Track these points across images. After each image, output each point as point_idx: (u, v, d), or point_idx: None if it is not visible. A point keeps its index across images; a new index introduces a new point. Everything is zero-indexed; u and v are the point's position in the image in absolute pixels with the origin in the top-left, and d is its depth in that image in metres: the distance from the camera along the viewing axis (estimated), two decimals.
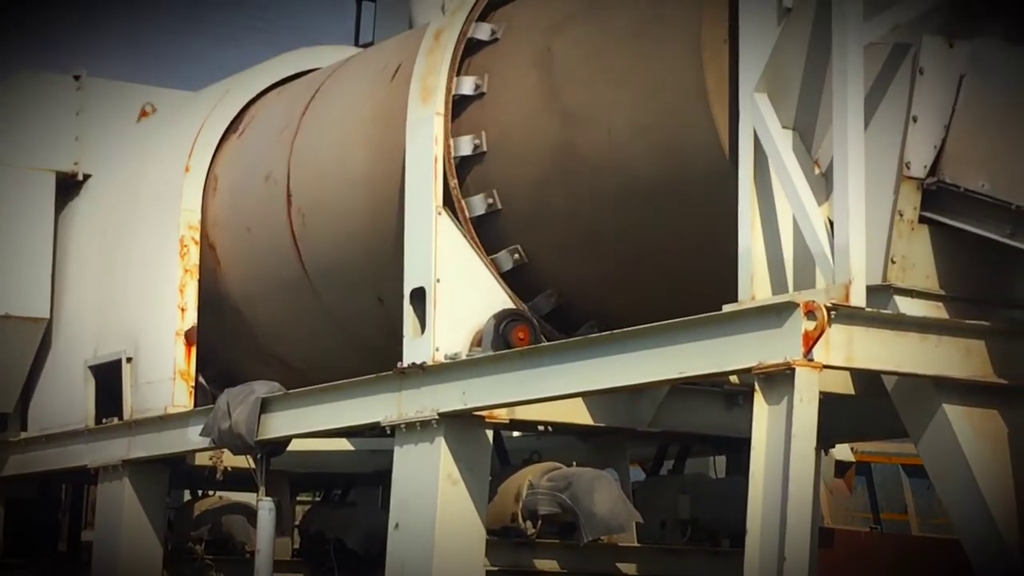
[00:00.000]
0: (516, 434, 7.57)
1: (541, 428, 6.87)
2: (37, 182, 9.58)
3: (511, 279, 6.35)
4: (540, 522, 6.40)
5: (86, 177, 9.80)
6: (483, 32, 6.46)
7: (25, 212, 9.57)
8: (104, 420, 9.06)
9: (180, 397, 8.41)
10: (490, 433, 6.44)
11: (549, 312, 6.38)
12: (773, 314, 4.64)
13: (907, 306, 4.74)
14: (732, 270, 4.97)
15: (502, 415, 6.20)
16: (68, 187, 9.82)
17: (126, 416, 8.79)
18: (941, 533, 9.54)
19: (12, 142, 9.56)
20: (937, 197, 4.73)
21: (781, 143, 4.79)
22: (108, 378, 9.01)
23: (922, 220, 4.76)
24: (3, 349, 9.56)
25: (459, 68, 6.40)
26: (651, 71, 5.50)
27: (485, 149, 6.30)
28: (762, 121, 4.79)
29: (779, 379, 4.55)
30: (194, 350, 8.45)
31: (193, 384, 8.47)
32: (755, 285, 4.92)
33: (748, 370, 4.72)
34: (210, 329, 8.61)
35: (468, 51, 6.51)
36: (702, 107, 5.12)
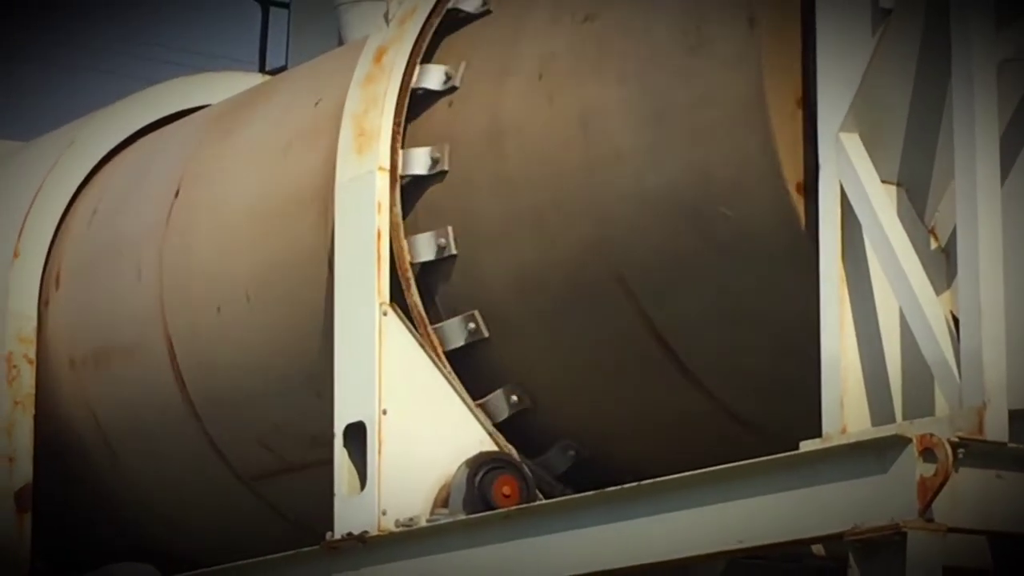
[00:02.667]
0: None
1: None
2: None
3: (461, 367, 4.68)
4: None
5: None
6: (432, 78, 4.66)
7: None
8: None
9: None
10: None
11: (567, 470, 4.76)
12: (874, 454, 3.31)
13: None
14: (814, 391, 3.53)
15: None
16: None
17: None
18: None
19: None
20: None
21: (880, 204, 3.45)
22: None
23: None
24: None
25: (408, 107, 4.65)
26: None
27: (453, 240, 4.63)
28: (853, 173, 3.46)
29: (884, 547, 3.29)
30: (27, 518, 6.03)
31: (26, 569, 6.04)
32: (846, 412, 3.54)
33: (840, 536, 3.38)
34: (54, 486, 6.23)
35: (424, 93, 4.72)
36: (757, 147, 3.70)
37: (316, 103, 5.08)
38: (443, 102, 4.61)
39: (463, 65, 4.56)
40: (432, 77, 4.63)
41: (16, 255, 6.18)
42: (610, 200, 4.03)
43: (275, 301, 5.18)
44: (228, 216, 5.44)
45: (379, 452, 4.49)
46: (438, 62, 4.64)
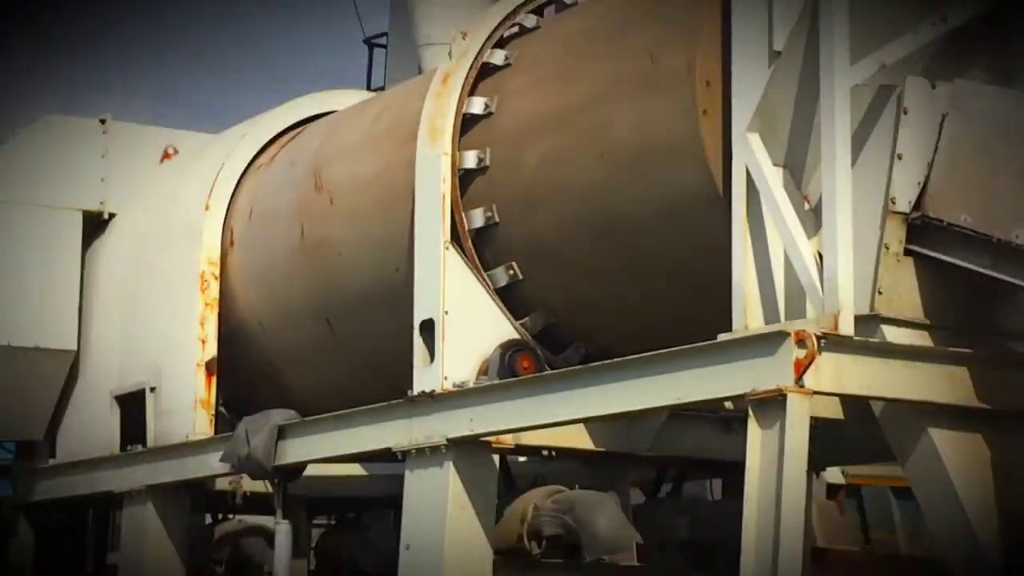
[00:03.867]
0: (521, 459, 7.88)
1: (545, 453, 7.20)
2: (65, 221, 10.13)
3: (505, 296, 6.78)
4: (545, 543, 6.68)
5: (111, 216, 10.35)
6: (476, 104, 6.97)
7: (53, 249, 10.09)
8: (128, 447, 9.53)
9: (201, 425, 8.87)
10: (496, 458, 6.72)
11: (541, 331, 6.78)
12: (766, 343, 4.90)
13: (893, 335, 5.00)
14: (725, 300, 5.24)
15: (508, 441, 6.47)
16: (94, 225, 10.35)
17: (149, 443, 9.27)
18: (928, 552, 9.90)
19: (40, 183, 10.10)
20: (921, 231, 5.00)
21: (772, 180, 5.06)
22: (132, 407, 9.46)
23: (907, 253, 5.02)
24: (33, 380, 10.07)
25: (465, 111, 6.83)
26: (645, 110, 5.83)
27: (490, 191, 6.97)
28: (754, 159, 5.07)
29: (771, 405, 4.81)
30: (214, 380, 8.88)
31: (213, 412, 8.88)
32: (748, 315, 5.19)
33: (742, 396, 4.98)
34: (230, 359, 9.02)
35: (475, 89, 6.96)
36: (696, 145, 5.41)
37: (404, 109, 7.42)
38: (483, 123, 6.77)
39: (496, 98, 6.75)
40: (476, 105, 6.83)
41: (207, 208, 8.92)
42: (591, 187, 6.03)
43: (375, 241, 7.63)
44: (347, 183, 8.09)
45: (443, 339, 6.62)
46: (480, 94, 6.88)
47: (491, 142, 6.70)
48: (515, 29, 7.05)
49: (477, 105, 6.74)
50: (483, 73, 6.86)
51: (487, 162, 6.66)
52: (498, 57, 6.86)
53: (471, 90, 6.80)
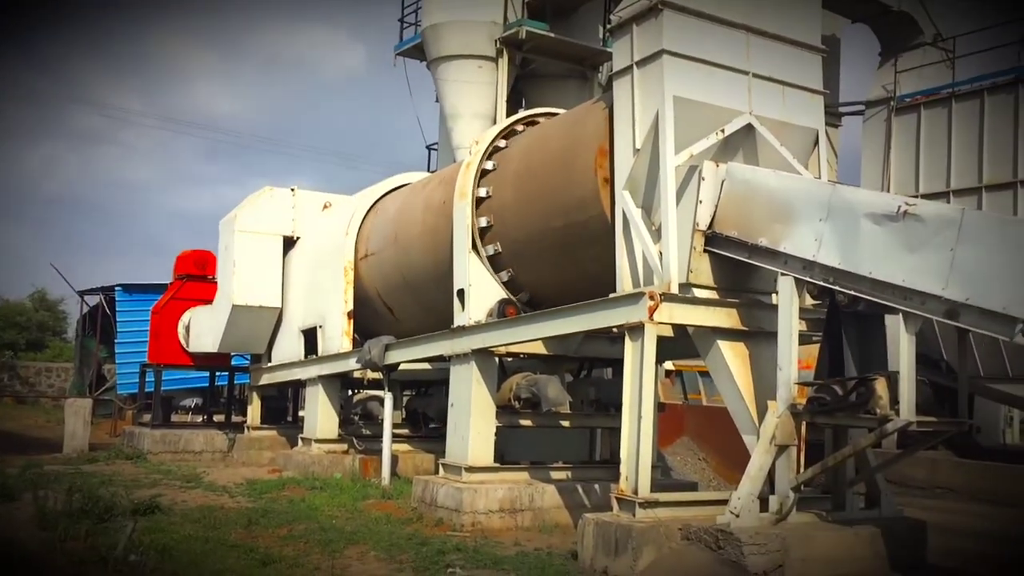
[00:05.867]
0: (509, 359, 12.16)
1: (522, 356, 11.88)
2: (275, 241, 17.16)
3: (509, 287, 11.55)
4: (521, 402, 11.32)
5: (297, 238, 17.61)
6: (488, 164, 11.66)
7: (270, 255, 16.99)
8: (308, 356, 16.20)
9: (345, 344, 14.78)
10: (496, 359, 11.52)
11: (526, 302, 11.47)
12: (634, 298, 9.20)
13: (699, 292, 9.26)
14: (611, 277, 9.64)
15: (502, 350, 11.37)
16: (289, 243, 17.71)
17: (319, 354, 15.71)
18: (717, 404, 15.54)
19: (264, 221, 16.93)
20: (713, 239, 9.26)
21: (635, 214, 9.42)
22: (310, 336, 16.16)
23: (705, 251, 9.28)
24: (261, 322, 17.10)
25: (478, 182, 11.54)
26: (572, 181, 10.32)
27: (492, 223, 11.51)
28: (626, 204, 9.44)
29: (637, 330, 9.03)
30: (351, 321, 14.77)
31: (351, 338, 14.72)
32: (623, 284, 9.58)
33: (622, 325, 9.24)
34: (359, 311, 14.78)
35: (483, 173, 11.68)
36: (596, 197, 9.85)
37: (445, 181, 12.39)
38: (489, 175, 11.44)
39: (497, 162, 11.48)
40: (488, 165, 11.88)
41: (346, 234, 14.60)
42: (540, 216, 10.77)
43: (430, 246, 12.56)
44: (414, 218, 13.21)
45: (468, 298, 11.27)
46: (491, 158, 11.75)
47: (492, 183, 11.55)
48: (507, 133, 12.05)
49: (488, 165, 11.68)
50: (491, 153, 11.78)
51: (490, 195, 11.55)
52: (502, 143, 11.78)
53: (486, 158, 11.73)
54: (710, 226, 9.26)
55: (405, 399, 17.40)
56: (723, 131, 9.36)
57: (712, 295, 9.31)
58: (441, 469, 11.59)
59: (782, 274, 8.55)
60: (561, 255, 10.73)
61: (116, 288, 28.83)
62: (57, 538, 8.30)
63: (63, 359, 40.47)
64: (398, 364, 13.61)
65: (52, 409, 32.88)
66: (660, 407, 10.02)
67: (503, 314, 11.06)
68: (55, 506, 9.79)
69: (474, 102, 18.36)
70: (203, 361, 19.76)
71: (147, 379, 21.10)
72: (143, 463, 16.82)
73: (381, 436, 13.94)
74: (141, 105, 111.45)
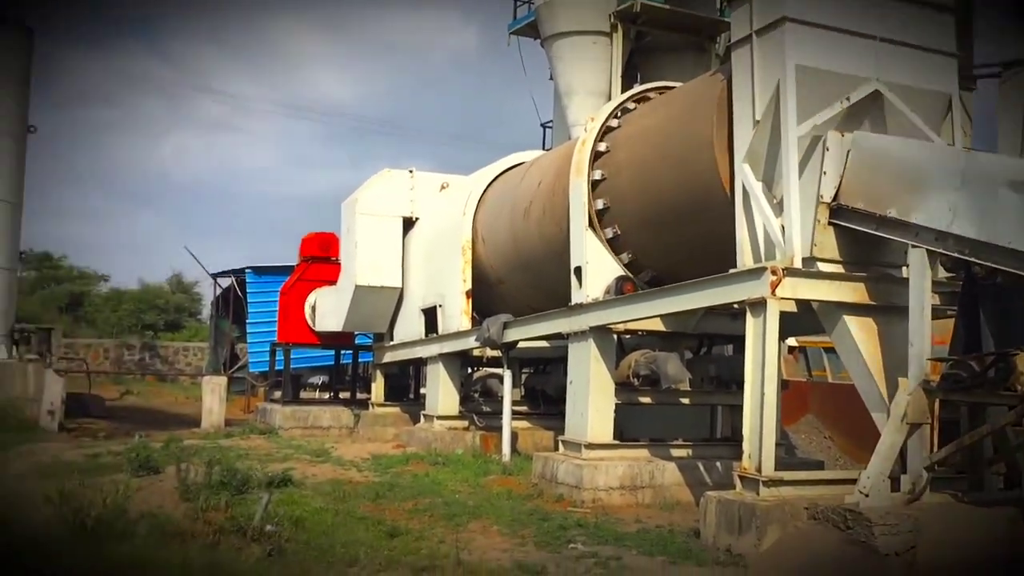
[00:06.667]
0: (627, 336, 12.24)
1: (640, 333, 11.88)
2: (394, 223, 17.41)
3: (630, 268, 11.45)
4: (640, 379, 11.29)
5: (416, 219, 17.58)
6: (602, 146, 11.51)
7: (391, 237, 17.31)
8: (429, 335, 16.65)
9: (464, 323, 14.96)
10: (615, 336, 11.51)
11: (648, 281, 11.28)
12: (756, 273, 9.02)
13: (823, 266, 9.00)
14: (730, 252, 9.47)
15: (620, 327, 11.29)
16: (409, 224, 18.01)
17: (440, 332, 16.06)
18: (843, 381, 14.96)
19: (383, 203, 17.25)
20: (838, 211, 8.98)
21: (756, 187, 9.22)
22: (430, 315, 16.52)
23: (830, 223, 9.00)
24: (383, 301, 17.51)
25: (593, 164, 11.43)
26: (691, 154, 10.13)
27: (609, 205, 11.44)
28: (746, 177, 9.25)
29: (759, 305, 8.88)
30: (470, 300, 14.94)
31: (470, 316, 14.92)
32: (744, 259, 9.40)
33: (743, 301, 9.09)
34: (477, 289, 14.98)
35: (597, 155, 11.56)
36: (714, 172, 9.68)
37: (560, 158, 12.35)
38: (603, 157, 11.29)
39: (611, 143, 11.26)
40: (602, 147, 11.40)
41: (463, 214, 14.65)
42: (658, 193, 10.59)
43: (546, 224, 12.63)
44: (532, 196, 13.20)
45: (585, 275, 11.27)
46: (603, 142, 11.35)
47: (607, 167, 11.33)
48: (621, 111, 11.76)
49: (601, 147, 11.44)
50: (605, 132, 11.53)
51: (605, 176, 11.36)
52: (614, 123, 11.51)
53: (599, 140, 11.51)
54: (835, 198, 8.97)
55: (524, 376, 17.54)
56: (848, 99, 9.06)
57: (838, 269, 9.05)
58: (561, 446, 11.66)
59: (913, 246, 8.22)
60: (682, 233, 10.58)
61: (246, 270, 30.01)
62: (199, 508, 8.74)
63: (199, 339, 42.45)
64: (516, 342, 13.75)
65: (190, 387, 34.57)
66: (783, 384, 9.88)
67: (621, 291, 11.01)
68: (196, 479, 10.30)
69: (589, 79, 18.15)
70: (329, 340, 20.42)
71: (277, 358, 21.94)
72: (275, 438, 17.51)
73: (501, 413, 14.13)
74: (262, 92, 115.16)
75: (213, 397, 21.16)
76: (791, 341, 17.63)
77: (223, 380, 22.19)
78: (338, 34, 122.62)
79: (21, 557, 6.93)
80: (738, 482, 8.77)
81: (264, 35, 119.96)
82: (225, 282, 33.35)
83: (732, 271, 9.42)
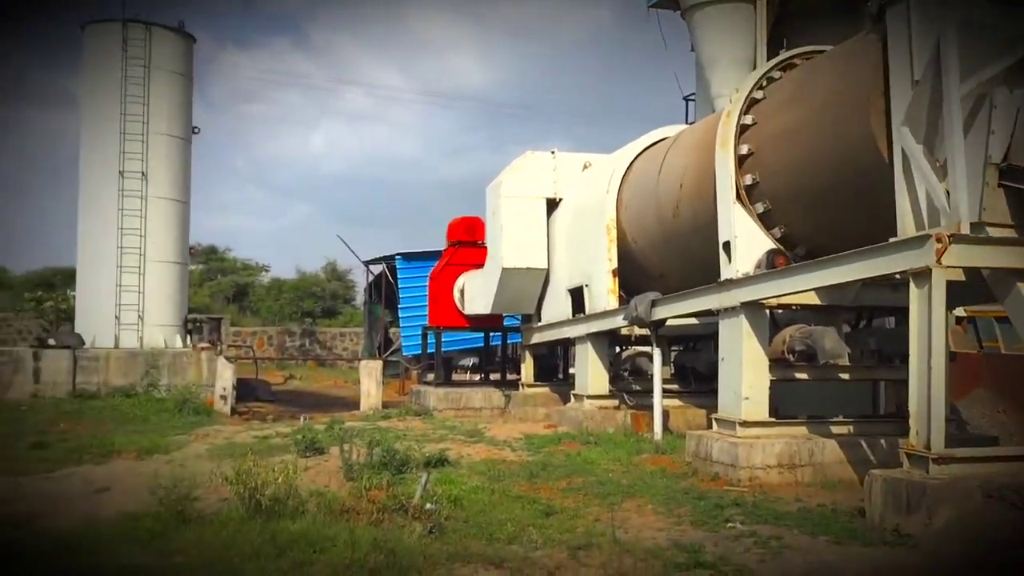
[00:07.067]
0: (780, 311, 11.95)
1: (794, 307, 11.52)
2: (538, 204, 17.54)
3: (783, 243, 11.10)
4: (796, 355, 10.97)
5: (560, 200, 17.75)
6: (747, 119, 11.23)
7: (535, 218, 17.52)
8: (576, 315, 16.74)
9: (611, 302, 15.00)
10: (767, 311, 11.23)
11: (802, 256, 10.82)
12: (920, 241, 8.61)
13: (993, 232, 8.50)
14: (889, 220, 9.06)
15: (773, 302, 10.97)
16: (553, 205, 18.18)
17: (587, 312, 16.17)
18: (1018, 353, 13.81)
19: (527, 186, 17.50)
20: (1007, 172, 8.45)
21: (917, 151, 8.76)
22: (577, 295, 16.63)
23: (1000, 185, 8.48)
24: (529, 283, 17.80)
25: (739, 137, 11.15)
26: (839, 123, 9.76)
27: (758, 180, 11.15)
28: (906, 141, 8.80)
29: (923, 275, 8.46)
30: (617, 278, 14.94)
31: (617, 295, 14.92)
32: (905, 227, 8.96)
33: (905, 271, 8.70)
34: (623, 268, 14.90)
35: (743, 129, 11.29)
36: (870, 136, 9.26)
37: (704, 131, 12.06)
38: (750, 130, 11.03)
39: (756, 116, 10.92)
40: (747, 119, 10.92)
41: (607, 192, 14.65)
42: (809, 162, 10.14)
43: (692, 199, 12.43)
44: (675, 171, 12.99)
45: (736, 251, 11.08)
46: (749, 114, 10.99)
47: (753, 140, 11.04)
48: (766, 80, 11.38)
49: (747, 120, 11.12)
50: (750, 105, 11.20)
51: (752, 151, 11.04)
52: (758, 95, 11.16)
53: (743, 113, 11.18)
54: (1004, 158, 8.42)
55: (673, 354, 17.38)
56: (1015, 54, 8.47)
57: (1009, 233, 8.51)
58: (714, 424, 11.48)
59: None
60: (838, 205, 10.14)
61: (396, 257, 30.88)
62: (363, 488, 9.10)
63: (354, 324, 44.06)
64: (665, 320, 13.60)
65: (347, 370, 35.95)
66: (952, 357, 9.33)
67: (772, 265, 10.68)
68: (358, 459, 10.73)
69: (732, 48, 17.66)
70: (478, 322, 20.80)
71: (428, 341, 22.51)
72: (430, 419, 18.01)
73: (651, 392, 14.01)
74: (404, 82, 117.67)
75: (370, 380, 21.93)
76: (959, 311, 16.65)
77: (379, 364, 22.94)
78: (473, 20, 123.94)
79: (204, 532, 7.43)
80: (905, 460, 8.43)
81: (403, 26, 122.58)
82: (376, 269, 34.44)
83: (893, 240, 9.00)
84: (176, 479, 8.62)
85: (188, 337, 23.20)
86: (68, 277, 34.13)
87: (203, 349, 21.98)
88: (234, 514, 8.03)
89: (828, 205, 10.26)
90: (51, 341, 21.57)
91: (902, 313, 9.38)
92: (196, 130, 23.92)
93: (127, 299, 21.94)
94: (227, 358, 22.10)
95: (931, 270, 8.30)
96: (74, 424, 16.31)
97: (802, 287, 10.22)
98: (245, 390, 23.13)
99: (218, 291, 50.67)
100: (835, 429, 11.12)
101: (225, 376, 20.59)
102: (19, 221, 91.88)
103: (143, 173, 22.24)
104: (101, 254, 22.10)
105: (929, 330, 8.32)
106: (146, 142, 22.31)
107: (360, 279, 45.99)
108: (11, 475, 10.56)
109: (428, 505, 8.41)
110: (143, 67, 22.36)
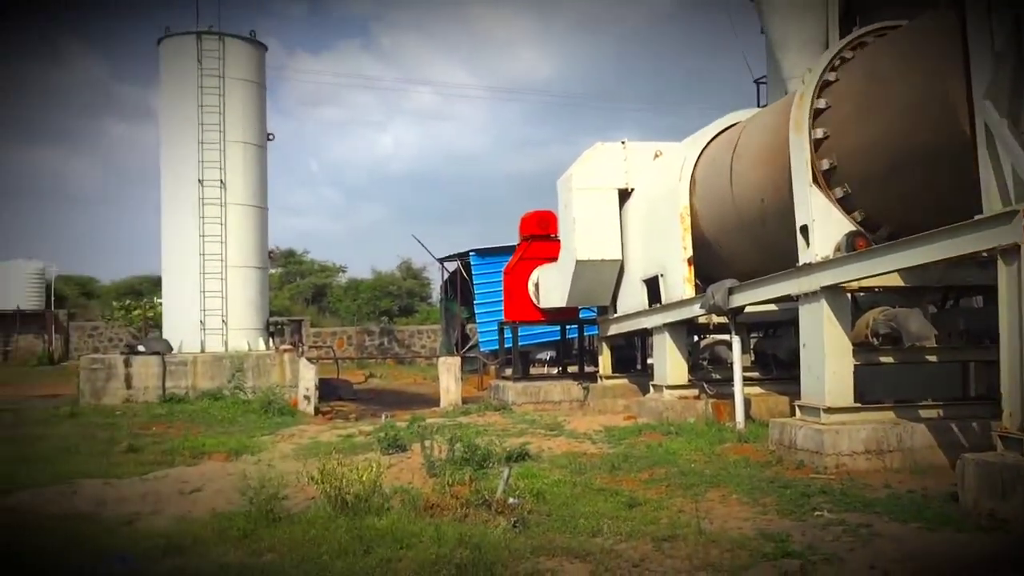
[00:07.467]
0: (861, 294, 11.68)
1: (876, 290, 11.24)
2: (610, 195, 17.58)
3: (864, 227, 10.86)
4: (880, 338, 10.74)
5: (632, 190, 17.68)
6: (821, 103, 11.00)
7: (608, 209, 17.54)
8: (652, 305, 16.70)
9: (688, 291, 14.91)
10: (848, 295, 10.99)
11: (887, 237, 10.48)
12: (1006, 217, 8.33)
13: None
14: (973, 198, 8.78)
15: (854, 286, 10.72)
16: (624, 195, 18.09)
17: (663, 302, 16.11)
18: None
19: (598, 177, 17.62)
20: None
21: (1000, 124, 8.48)
22: (652, 285, 16.59)
23: None
24: (604, 275, 17.82)
25: (813, 120, 10.96)
26: (917, 99, 9.52)
27: (836, 163, 10.93)
28: (988, 114, 8.53)
29: (1012, 251, 8.21)
30: (693, 267, 14.86)
31: (693, 283, 14.83)
32: (990, 203, 8.67)
33: (994, 248, 8.44)
34: (698, 256, 14.81)
35: (817, 113, 11.06)
36: (951, 111, 8.98)
37: (776, 114, 11.92)
38: (824, 114, 10.84)
39: (830, 99, 10.69)
40: (820, 104, 10.77)
41: (680, 179, 14.78)
42: (887, 143, 9.90)
43: (767, 184, 12.25)
44: (749, 157, 12.77)
45: (813, 234, 10.88)
46: (822, 98, 10.80)
47: (828, 123, 10.81)
48: (838, 60, 11.08)
49: (820, 104, 10.90)
50: (823, 87, 10.97)
51: (828, 134, 10.83)
52: (831, 76, 10.90)
53: (816, 97, 10.94)
54: None
55: (752, 341, 17.15)
56: None
57: None
58: (797, 411, 11.30)
59: None
60: (921, 184, 9.87)
61: (470, 253, 31.11)
62: (446, 483, 9.21)
63: (431, 322, 44.53)
64: (743, 307, 13.41)
65: (426, 368, 36.35)
66: None
67: (852, 248, 10.44)
68: (440, 456, 10.85)
69: (803, 28, 17.24)
70: (553, 316, 20.83)
71: (505, 336, 22.64)
72: (509, 414, 18.10)
73: (731, 380, 13.87)
74: (469, 79, 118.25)
75: (449, 377, 22.15)
76: None
77: (457, 360, 23.17)
78: (536, 12, 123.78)
79: (293, 531, 7.61)
80: (998, 442, 8.18)
81: (468, 23, 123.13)
82: (451, 266, 34.74)
83: (978, 217, 8.72)
84: (264, 479, 8.83)
85: (270, 340, 23.74)
86: (154, 285, 35.32)
87: (285, 351, 22.46)
88: (321, 512, 8.20)
89: (910, 186, 9.98)
90: (141, 348, 22.28)
91: (991, 291, 9.03)
92: (271, 136, 24.42)
93: (211, 304, 22.53)
94: (309, 359, 22.55)
95: (1020, 246, 8.01)
96: (166, 427, 16.85)
97: (885, 268, 9.97)
98: (327, 390, 23.57)
99: (297, 293, 51.72)
100: (924, 413, 10.84)
101: (307, 377, 21.01)
102: (107, 232, 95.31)
103: (221, 181, 22.79)
104: (184, 261, 22.73)
105: (1020, 308, 8.03)
106: (223, 150, 22.86)
107: (435, 276, 46.56)
108: (110, 478, 10.94)
109: (511, 499, 8.46)
110: (218, 77, 22.89)
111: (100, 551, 7.29)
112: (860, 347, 10.84)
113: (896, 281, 10.61)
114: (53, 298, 40.81)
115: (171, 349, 22.09)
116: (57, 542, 7.65)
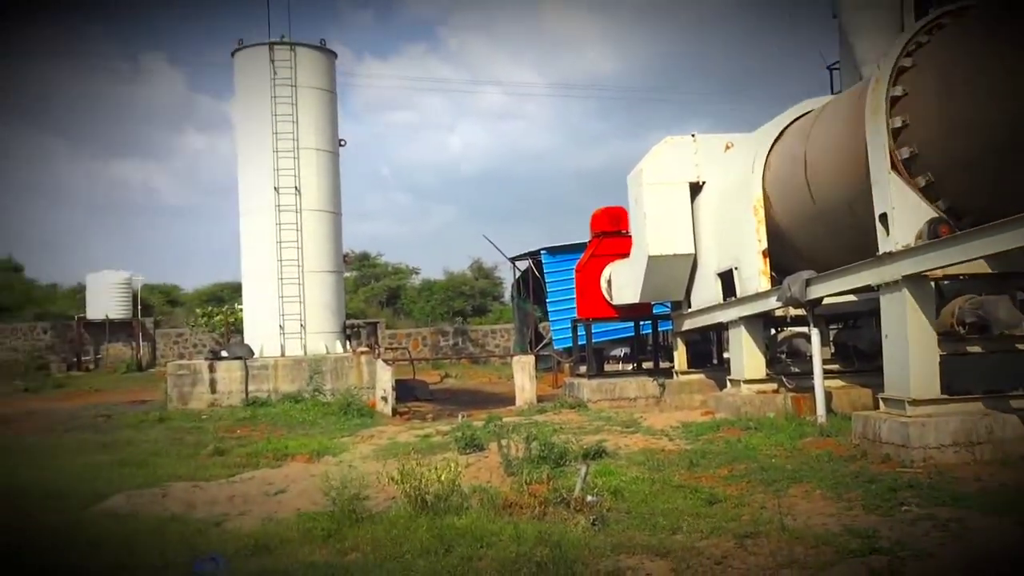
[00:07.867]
0: (945, 282, 11.43)
1: (961, 277, 10.88)
2: (681, 189, 17.44)
3: (950, 215, 10.59)
4: (967, 327, 10.45)
5: (703, 183, 17.61)
6: (897, 90, 10.74)
7: (677, 204, 17.43)
8: (727, 299, 16.59)
9: (763, 283, 14.75)
10: (932, 283, 10.72)
11: (970, 225, 10.12)
12: None
13: None
14: None
15: (938, 274, 10.48)
16: (696, 189, 17.93)
17: (738, 295, 16.01)
18: None
19: (667, 172, 17.60)
20: None
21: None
22: (726, 278, 16.47)
23: None
24: (677, 270, 17.72)
25: (890, 108, 10.75)
26: (1008, 75, 9.26)
27: (916, 152, 10.65)
28: None
29: None
30: (768, 259, 14.67)
31: (768, 276, 14.66)
32: None
33: None
34: (773, 247, 14.63)
35: (894, 101, 10.79)
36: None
37: (851, 101, 11.73)
38: (902, 101, 10.55)
39: (906, 85, 10.53)
40: (896, 91, 10.51)
41: (752, 171, 14.62)
42: (972, 128, 9.76)
43: (843, 171, 12.00)
44: (823, 144, 12.66)
45: (893, 222, 10.67)
46: (899, 84, 10.56)
47: (907, 111, 10.57)
48: (914, 45, 10.78)
49: (897, 91, 10.66)
50: (898, 73, 10.70)
51: (907, 122, 10.57)
52: (907, 62, 10.64)
53: (892, 83, 10.69)
54: None
55: (832, 333, 16.78)
56: None
57: None
58: (881, 404, 11.02)
59: None
60: (1011, 168, 9.48)
61: (541, 251, 31.14)
62: (523, 482, 9.25)
63: (504, 321, 44.66)
64: (821, 299, 13.13)
65: (500, 367, 36.51)
66: None
67: (935, 234, 10.11)
68: (517, 454, 10.90)
69: (877, 12, 16.95)
70: (626, 312, 20.71)
71: (579, 333, 22.59)
72: (584, 411, 18.08)
73: (810, 373, 13.61)
74: (535, 77, 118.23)
75: (524, 375, 22.21)
76: None
77: (531, 359, 23.21)
78: (600, 7, 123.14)
79: (376, 530, 7.73)
80: None
81: (533, 22, 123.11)
82: (522, 264, 34.82)
83: None
84: (346, 479, 8.98)
85: (347, 342, 24.13)
86: (235, 291, 36.20)
87: (362, 353, 22.81)
88: (402, 512, 8.31)
89: (998, 170, 9.62)
90: (224, 353, 22.85)
91: None
92: (343, 142, 24.82)
93: (289, 309, 23.01)
94: (385, 361, 22.84)
95: None
96: (249, 430, 17.27)
97: (969, 256, 9.64)
98: (404, 391, 23.86)
99: (372, 296, 52.42)
100: (1015, 404, 10.48)
101: (384, 378, 21.30)
102: (188, 241, 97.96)
103: (296, 188, 23.24)
104: (262, 267, 23.26)
105: None
106: (297, 158, 23.31)
107: (507, 276, 46.68)
108: (198, 480, 11.26)
109: (589, 497, 8.45)
110: (290, 86, 23.35)
111: (193, 552, 7.51)
112: (946, 336, 10.52)
113: (982, 268, 10.29)
114: (139, 307, 42.09)
115: (252, 353, 22.61)
116: (152, 544, 7.90)
